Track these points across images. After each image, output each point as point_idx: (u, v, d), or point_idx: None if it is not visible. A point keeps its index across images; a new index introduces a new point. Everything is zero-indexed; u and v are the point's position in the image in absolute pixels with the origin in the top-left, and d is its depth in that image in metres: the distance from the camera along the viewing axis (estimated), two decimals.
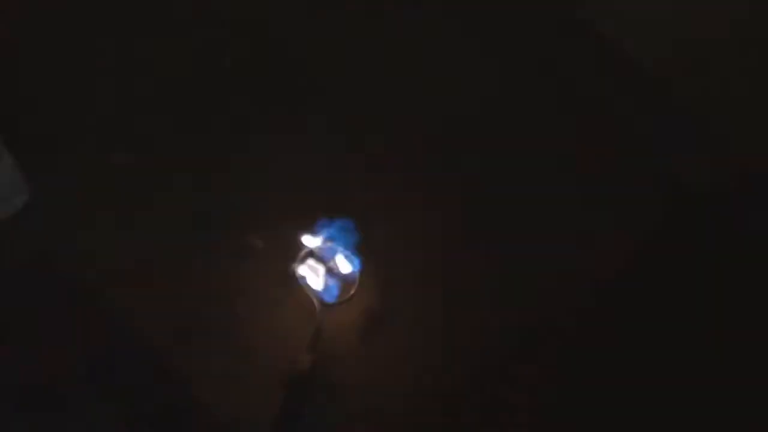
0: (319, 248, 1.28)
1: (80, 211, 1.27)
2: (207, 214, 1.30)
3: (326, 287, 1.25)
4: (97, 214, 1.27)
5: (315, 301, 1.24)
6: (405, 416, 1.21)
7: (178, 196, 1.31)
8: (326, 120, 1.41)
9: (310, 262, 1.26)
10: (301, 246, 1.27)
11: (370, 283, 1.29)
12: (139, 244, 1.26)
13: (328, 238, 1.27)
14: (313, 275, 1.25)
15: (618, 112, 1.46)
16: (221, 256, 1.27)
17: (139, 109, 1.36)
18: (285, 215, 1.32)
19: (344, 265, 1.27)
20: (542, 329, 1.29)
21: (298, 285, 1.25)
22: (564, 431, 1.24)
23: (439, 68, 1.49)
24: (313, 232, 1.26)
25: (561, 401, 1.25)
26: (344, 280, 1.27)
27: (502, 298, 1.31)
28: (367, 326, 1.26)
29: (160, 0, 1.46)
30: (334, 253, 1.27)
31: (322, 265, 1.25)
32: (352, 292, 1.27)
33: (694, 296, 1.35)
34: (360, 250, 1.29)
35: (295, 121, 1.40)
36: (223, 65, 1.42)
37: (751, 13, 1.21)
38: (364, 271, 1.28)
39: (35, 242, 1.23)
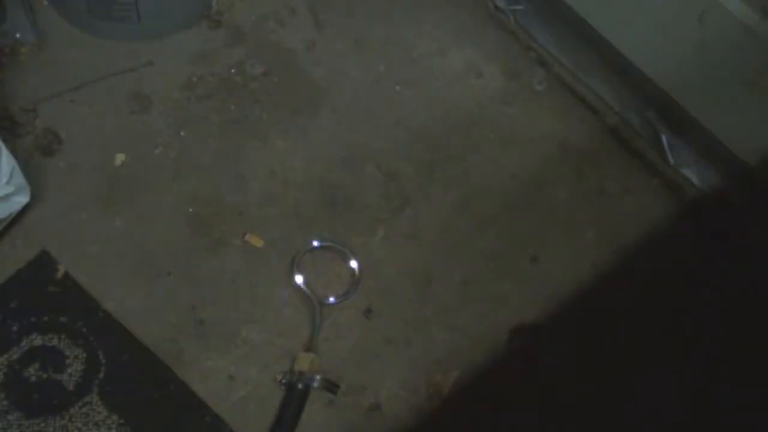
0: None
1: (80, 211, 1.27)
2: (207, 214, 1.30)
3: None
4: (98, 214, 1.27)
5: (314, 301, 1.24)
6: (404, 415, 1.21)
7: (179, 197, 1.31)
8: (328, 122, 1.41)
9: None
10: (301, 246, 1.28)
11: (370, 283, 1.29)
12: (140, 243, 1.26)
13: None
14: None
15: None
16: (221, 256, 1.27)
17: (139, 109, 1.36)
18: (285, 215, 1.32)
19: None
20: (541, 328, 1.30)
21: (297, 285, 1.25)
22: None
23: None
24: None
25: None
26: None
27: (501, 297, 1.32)
28: (366, 325, 1.27)
29: None
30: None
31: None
32: (351, 291, 1.27)
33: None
34: (360, 250, 1.30)
35: (296, 123, 1.40)
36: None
37: None
38: (364, 271, 1.29)
39: (35, 242, 1.23)
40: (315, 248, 1.29)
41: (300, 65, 1.45)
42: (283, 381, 1.19)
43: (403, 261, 1.32)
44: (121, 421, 1.14)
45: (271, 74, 1.43)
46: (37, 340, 1.18)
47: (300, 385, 1.17)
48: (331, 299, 1.26)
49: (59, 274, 1.22)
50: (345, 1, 1.52)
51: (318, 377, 1.18)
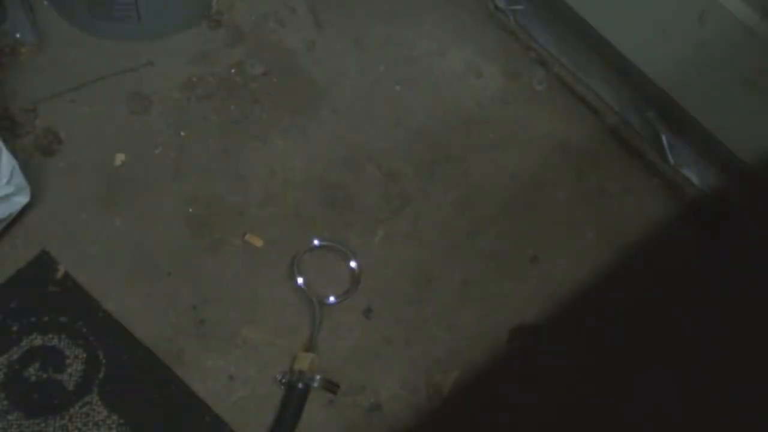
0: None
1: (80, 211, 1.27)
2: (207, 214, 1.30)
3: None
4: (97, 214, 1.27)
5: (315, 301, 1.24)
6: (404, 415, 1.21)
7: (179, 197, 1.31)
8: (328, 122, 1.41)
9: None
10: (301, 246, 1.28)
11: (370, 283, 1.29)
12: (140, 244, 1.26)
13: None
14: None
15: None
16: (221, 256, 1.27)
17: (139, 109, 1.36)
18: (285, 215, 1.32)
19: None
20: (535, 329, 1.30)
21: (297, 285, 1.25)
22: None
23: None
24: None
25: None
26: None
27: (501, 297, 1.31)
28: (366, 325, 1.27)
29: None
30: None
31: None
32: (351, 291, 1.27)
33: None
34: (360, 250, 1.30)
35: (296, 123, 1.40)
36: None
37: None
38: (364, 271, 1.29)
39: (35, 242, 1.23)
40: (315, 248, 1.29)
41: (300, 65, 1.45)
42: (283, 381, 1.19)
43: (403, 261, 1.32)
44: (121, 421, 1.14)
45: (271, 74, 1.43)
46: (37, 340, 1.18)
47: (300, 385, 1.17)
48: (331, 299, 1.26)
49: (59, 274, 1.22)
50: (345, 1, 1.52)
51: (318, 377, 1.18)
